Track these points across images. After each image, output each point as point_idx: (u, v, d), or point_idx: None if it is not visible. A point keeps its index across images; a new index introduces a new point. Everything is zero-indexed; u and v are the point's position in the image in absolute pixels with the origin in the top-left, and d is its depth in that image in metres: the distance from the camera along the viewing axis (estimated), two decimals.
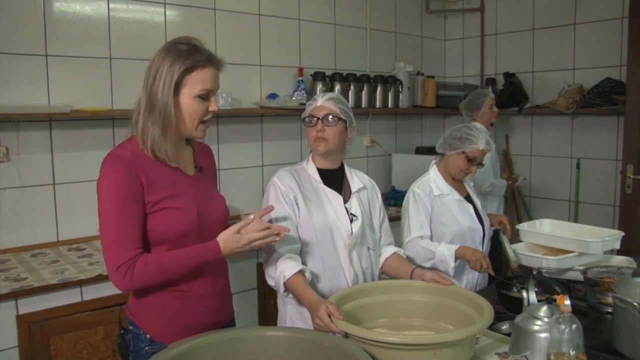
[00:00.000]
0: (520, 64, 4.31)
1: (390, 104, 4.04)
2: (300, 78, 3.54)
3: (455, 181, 2.41)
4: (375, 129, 4.23)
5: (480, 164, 2.35)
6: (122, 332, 1.60)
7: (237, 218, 3.24)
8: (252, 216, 1.54)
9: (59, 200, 2.73)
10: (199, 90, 1.47)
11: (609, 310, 1.85)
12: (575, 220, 3.98)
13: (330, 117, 1.86)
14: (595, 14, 3.88)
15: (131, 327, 1.56)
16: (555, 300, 1.40)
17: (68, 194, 2.75)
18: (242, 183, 3.41)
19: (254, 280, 2.95)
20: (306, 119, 1.90)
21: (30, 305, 2.14)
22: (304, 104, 2.62)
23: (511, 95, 4.17)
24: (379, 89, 3.96)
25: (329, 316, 1.49)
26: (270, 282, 1.82)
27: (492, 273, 2.10)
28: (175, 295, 1.52)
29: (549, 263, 2.17)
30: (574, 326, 1.27)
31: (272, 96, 3.42)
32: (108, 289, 2.20)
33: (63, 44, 2.69)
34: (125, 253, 1.42)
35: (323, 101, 1.89)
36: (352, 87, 3.76)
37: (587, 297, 2.00)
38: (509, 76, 4.25)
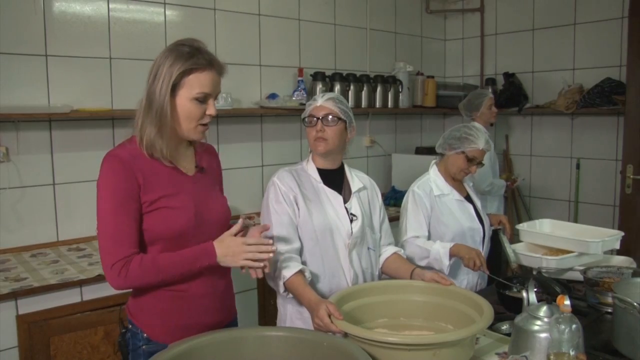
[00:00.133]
0: (520, 64, 4.32)
1: (390, 104, 4.05)
2: (300, 78, 3.54)
3: (455, 181, 2.41)
4: (375, 129, 4.23)
5: (480, 164, 2.35)
6: (123, 331, 1.61)
7: (238, 218, 3.24)
8: (240, 220, 1.54)
9: (58, 201, 2.73)
10: (196, 92, 1.47)
11: (609, 310, 1.85)
12: (575, 220, 3.98)
13: (330, 117, 1.86)
14: (595, 14, 3.88)
15: (130, 326, 1.58)
16: (555, 301, 1.40)
17: (68, 194, 2.75)
18: (242, 183, 3.41)
19: (254, 280, 2.95)
20: (306, 119, 1.90)
21: (30, 305, 2.14)
22: (304, 104, 2.63)
23: (511, 96, 4.17)
24: (378, 89, 3.96)
25: (329, 316, 1.49)
26: (270, 282, 1.82)
27: (487, 272, 2.09)
28: (174, 295, 1.52)
29: (549, 263, 2.17)
30: (573, 326, 1.27)
31: (272, 96, 3.42)
32: (108, 289, 2.17)
33: (63, 44, 2.69)
34: (121, 251, 1.43)
35: (323, 101, 1.89)
36: (352, 87, 3.76)
37: (587, 297, 2.00)
38: (508, 76, 4.25)
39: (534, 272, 2.18)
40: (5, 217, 2.58)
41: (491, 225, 2.46)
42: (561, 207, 4.16)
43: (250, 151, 3.49)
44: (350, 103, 3.69)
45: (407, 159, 4.16)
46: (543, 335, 1.37)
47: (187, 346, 1.31)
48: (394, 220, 2.52)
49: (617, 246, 2.31)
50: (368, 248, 1.95)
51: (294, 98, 3.44)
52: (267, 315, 2.95)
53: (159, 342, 1.50)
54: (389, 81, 4.03)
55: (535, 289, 1.65)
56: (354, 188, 1.96)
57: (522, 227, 2.47)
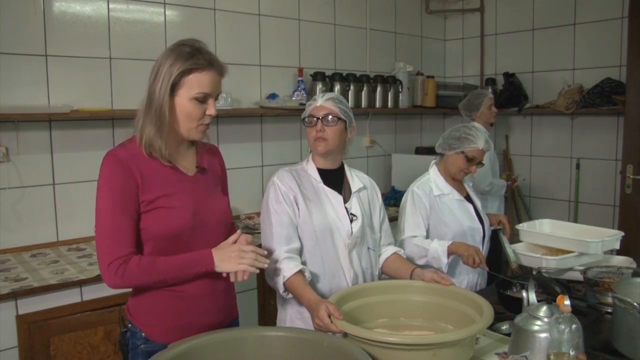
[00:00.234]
0: (520, 64, 4.32)
1: (390, 104, 4.05)
2: (300, 78, 3.54)
3: (455, 181, 2.41)
4: (375, 129, 4.23)
5: (480, 164, 2.35)
6: (123, 330, 1.62)
7: (238, 218, 3.25)
8: (238, 231, 1.55)
9: (58, 201, 2.73)
10: (195, 92, 1.47)
11: (609, 310, 1.85)
12: (575, 221, 3.98)
13: (330, 117, 1.86)
14: (595, 14, 3.88)
15: (129, 326, 1.58)
16: (555, 301, 1.40)
17: (68, 194, 2.75)
18: (242, 183, 3.41)
19: (254, 280, 2.94)
20: (306, 119, 1.90)
21: (30, 305, 2.14)
22: (304, 104, 2.63)
23: (511, 96, 4.17)
24: (378, 89, 3.96)
25: (329, 316, 1.49)
26: (270, 282, 1.82)
27: (486, 269, 2.09)
28: (173, 295, 1.52)
29: (548, 263, 2.17)
30: (573, 326, 1.27)
31: (272, 96, 3.42)
32: (108, 289, 2.18)
33: (63, 44, 2.69)
34: (118, 250, 1.43)
35: (323, 101, 1.89)
36: (351, 87, 3.76)
37: (587, 297, 2.00)
38: (508, 76, 4.25)
39: (534, 272, 2.18)
40: (5, 217, 2.58)
41: (491, 225, 2.46)
42: (561, 207, 4.16)
43: (250, 151, 3.49)
44: (350, 103, 3.69)
45: (407, 159, 4.16)
46: (543, 335, 1.37)
47: (187, 346, 1.31)
48: (394, 220, 2.52)
49: (617, 246, 2.31)
50: (368, 248, 1.95)
51: (294, 98, 3.44)
52: (267, 315, 2.95)
53: (157, 342, 1.51)
54: (389, 81, 4.03)
55: (535, 289, 1.65)
56: (354, 188, 1.96)
57: (522, 227, 2.47)
